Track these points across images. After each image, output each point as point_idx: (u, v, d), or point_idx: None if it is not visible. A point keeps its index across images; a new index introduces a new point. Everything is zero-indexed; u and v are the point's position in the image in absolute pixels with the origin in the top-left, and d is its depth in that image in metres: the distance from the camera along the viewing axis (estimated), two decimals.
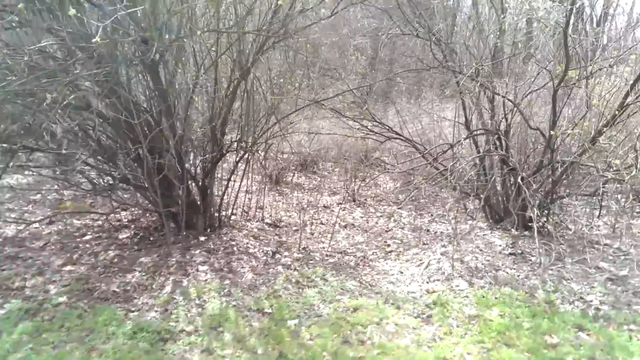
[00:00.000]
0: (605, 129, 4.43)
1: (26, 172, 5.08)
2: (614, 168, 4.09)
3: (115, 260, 3.94)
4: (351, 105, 6.25)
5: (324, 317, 3.33)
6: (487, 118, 5.36)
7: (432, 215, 6.22)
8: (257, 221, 5.40)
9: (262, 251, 4.48)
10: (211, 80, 4.34)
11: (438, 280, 4.11)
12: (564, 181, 4.89)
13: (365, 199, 6.88)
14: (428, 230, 5.57)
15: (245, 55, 4.15)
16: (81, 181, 4.74)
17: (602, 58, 4.48)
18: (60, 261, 3.78)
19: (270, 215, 5.66)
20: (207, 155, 4.61)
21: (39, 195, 5.47)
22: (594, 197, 4.99)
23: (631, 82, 4.35)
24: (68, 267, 3.70)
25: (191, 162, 4.69)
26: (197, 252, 4.28)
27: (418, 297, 3.79)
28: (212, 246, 4.47)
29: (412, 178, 5.86)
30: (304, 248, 4.66)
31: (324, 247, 4.79)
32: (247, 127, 4.80)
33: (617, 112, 4.41)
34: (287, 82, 5.15)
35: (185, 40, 3.79)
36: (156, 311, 3.22)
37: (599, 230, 5.48)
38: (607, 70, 4.53)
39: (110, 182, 4.64)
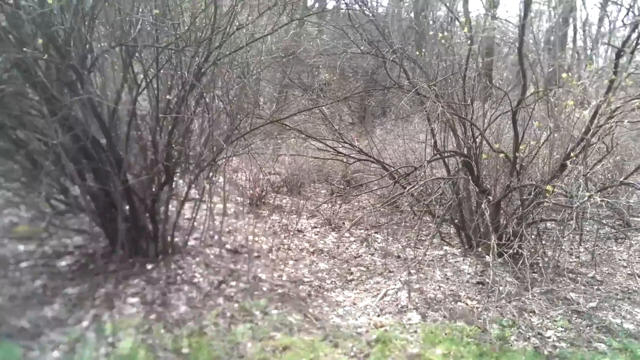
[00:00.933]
0: (573, 153, 4.08)
1: None
2: (580, 193, 3.71)
3: (40, 290, 3.69)
4: (324, 126, 6.00)
5: (245, 358, 2.99)
6: (460, 140, 5.05)
7: (409, 239, 5.84)
8: (217, 247, 5.11)
9: (208, 281, 4.18)
10: (153, 99, 4.14)
11: (390, 313, 3.74)
12: (539, 206, 4.50)
13: (343, 223, 6.54)
14: (399, 257, 5.19)
15: (188, 71, 3.94)
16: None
17: (567, 79, 4.16)
18: None
19: (234, 241, 5.36)
20: (153, 176, 4.36)
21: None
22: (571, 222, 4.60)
23: (597, 101, 4.02)
24: None
25: (136, 184, 4.45)
26: (135, 281, 4.00)
27: (363, 333, 3.42)
28: (154, 275, 4.18)
29: (386, 200, 5.51)
30: (254, 277, 4.34)
31: (279, 276, 4.46)
32: (204, 146, 4.58)
33: (584, 136, 4.08)
34: (245, 101, 4.93)
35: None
36: (60, 350, 2.93)
37: (578, 257, 5.05)
38: (574, 89, 4.21)
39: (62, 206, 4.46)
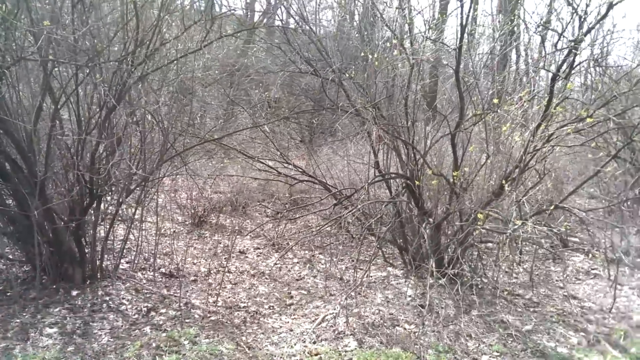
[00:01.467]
0: (510, 176, 4.21)
1: None
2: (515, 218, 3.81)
3: None
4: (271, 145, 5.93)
5: None
6: (403, 162, 5.11)
7: (353, 261, 5.82)
8: (151, 270, 4.87)
9: (136, 308, 3.96)
10: (74, 116, 3.93)
11: (326, 339, 3.66)
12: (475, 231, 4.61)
13: (288, 243, 6.44)
14: (341, 279, 5.15)
15: (110, 88, 3.77)
16: None
17: (504, 101, 4.32)
18: None
19: (171, 263, 5.14)
20: (76, 198, 4.11)
21: None
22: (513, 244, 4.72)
23: (534, 125, 4.18)
24: None
25: (58, 206, 4.18)
26: (56, 310, 3.73)
27: None
28: (79, 303, 3.92)
29: (327, 222, 5.48)
30: (186, 303, 4.15)
31: (213, 302, 4.29)
32: (135, 166, 4.38)
33: (522, 158, 4.21)
34: (180, 119, 4.78)
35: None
36: None
37: (517, 278, 5.19)
38: (512, 113, 4.36)
39: None
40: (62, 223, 4.13)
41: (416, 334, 3.75)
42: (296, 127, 8.86)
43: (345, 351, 3.48)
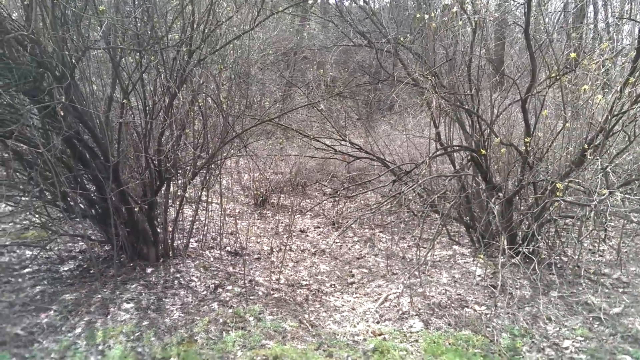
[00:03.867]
0: (593, 143, 3.82)
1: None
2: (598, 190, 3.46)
3: (38, 297, 3.69)
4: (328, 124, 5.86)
5: None
6: (467, 133, 4.83)
7: (415, 239, 5.68)
8: (217, 249, 5.06)
9: (205, 285, 4.13)
10: (140, 103, 4.10)
11: (390, 319, 3.61)
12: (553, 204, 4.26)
13: (347, 222, 6.41)
14: (404, 258, 5.04)
15: (171, 74, 3.88)
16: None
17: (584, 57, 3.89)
18: None
19: (236, 242, 5.31)
20: (147, 181, 4.33)
21: (10, 224, 5.39)
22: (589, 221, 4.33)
23: (620, 84, 3.75)
24: None
25: (131, 189, 4.42)
26: (133, 286, 3.98)
27: (360, 342, 3.30)
28: (153, 279, 4.16)
29: (386, 199, 5.35)
30: (250, 281, 4.26)
31: (276, 279, 4.38)
32: (199, 148, 4.53)
33: (607, 122, 3.81)
34: (239, 101, 4.84)
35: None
36: (51, 358, 2.91)
37: (602, 256, 4.77)
38: (590, 71, 3.92)
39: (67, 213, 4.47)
40: (136, 205, 4.37)
41: (488, 316, 3.58)
42: (352, 105, 8.71)
43: (411, 332, 3.41)
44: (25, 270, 4.24)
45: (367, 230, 6.08)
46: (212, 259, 4.79)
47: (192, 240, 5.10)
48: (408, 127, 6.78)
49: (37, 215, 4.80)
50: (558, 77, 3.72)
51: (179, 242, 4.91)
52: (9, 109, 3.73)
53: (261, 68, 4.72)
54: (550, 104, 4.67)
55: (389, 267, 4.74)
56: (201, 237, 5.25)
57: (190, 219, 5.38)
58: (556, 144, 4.27)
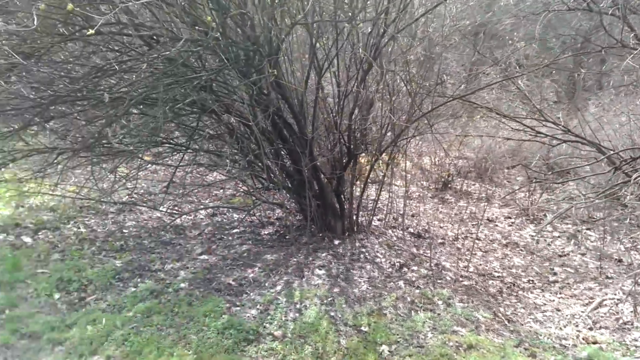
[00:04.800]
0: None
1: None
2: None
3: (245, 254, 4.17)
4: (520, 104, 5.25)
5: (425, 349, 2.81)
6: None
7: (635, 241, 4.73)
8: (400, 229, 5.02)
9: (390, 262, 4.12)
10: (334, 80, 4.23)
11: (607, 328, 3.05)
12: None
13: (544, 214, 5.69)
14: (620, 261, 4.24)
15: (365, 49, 3.89)
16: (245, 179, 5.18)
17: None
18: (200, 250, 4.21)
19: (417, 224, 5.19)
20: (337, 157, 4.48)
21: (221, 190, 6.27)
22: None
23: None
24: (203, 256, 4.08)
25: (322, 165, 4.65)
26: (323, 255, 4.20)
27: (569, 347, 2.87)
28: (340, 251, 4.33)
29: (603, 190, 4.53)
30: (437, 264, 4.09)
31: (464, 267, 4.11)
32: (385, 127, 4.51)
33: None
34: (427, 78, 4.63)
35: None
36: (257, 309, 3.24)
37: None
38: None
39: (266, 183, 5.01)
40: (325, 179, 4.60)
41: None
42: (554, 83, 7.64)
43: (636, 345, 2.82)
44: (234, 231, 4.84)
45: (569, 225, 5.31)
46: (394, 239, 4.76)
47: (374, 218, 5.16)
48: (630, 108, 5.64)
49: (242, 184, 5.44)
50: None
51: (363, 218, 5.01)
52: (224, 85, 4.25)
53: (446, 46, 4.43)
54: None
55: (600, 270, 4.03)
56: (383, 215, 5.27)
57: (373, 197, 5.45)
58: None
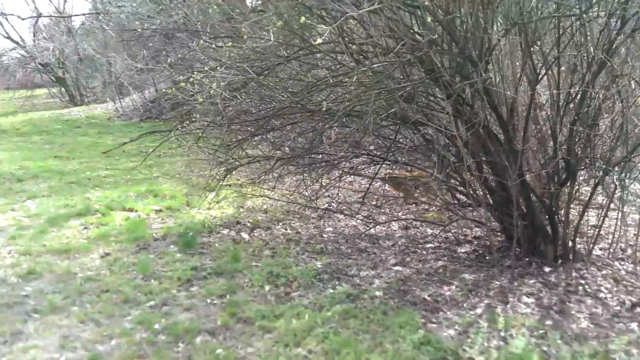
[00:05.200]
0: None
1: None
2: None
3: (440, 270, 3.99)
4: None
5: None
6: None
7: None
8: (630, 262, 4.15)
9: (617, 299, 3.41)
10: (553, 86, 3.74)
11: None
12: None
13: None
14: None
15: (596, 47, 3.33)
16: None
17: None
18: (393, 261, 4.19)
19: None
20: (552, 173, 3.96)
21: (414, 205, 6.24)
22: None
23: None
24: (397, 267, 4.04)
25: (532, 181, 4.16)
26: (531, 281, 3.74)
27: None
28: (552, 279, 3.79)
29: None
30: None
31: None
32: (615, 140, 3.81)
33: None
34: None
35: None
36: (455, 330, 3.03)
37: None
38: None
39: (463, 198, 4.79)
40: (535, 198, 4.10)
41: None
42: None
43: None
44: (428, 245, 4.71)
45: None
46: (623, 272, 3.95)
47: (595, 246, 4.38)
48: None
49: (436, 199, 5.28)
50: None
51: (580, 245, 4.30)
52: (424, 95, 4.19)
53: None
54: None
55: None
56: (607, 245, 4.44)
57: (593, 222, 4.64)
58: None
